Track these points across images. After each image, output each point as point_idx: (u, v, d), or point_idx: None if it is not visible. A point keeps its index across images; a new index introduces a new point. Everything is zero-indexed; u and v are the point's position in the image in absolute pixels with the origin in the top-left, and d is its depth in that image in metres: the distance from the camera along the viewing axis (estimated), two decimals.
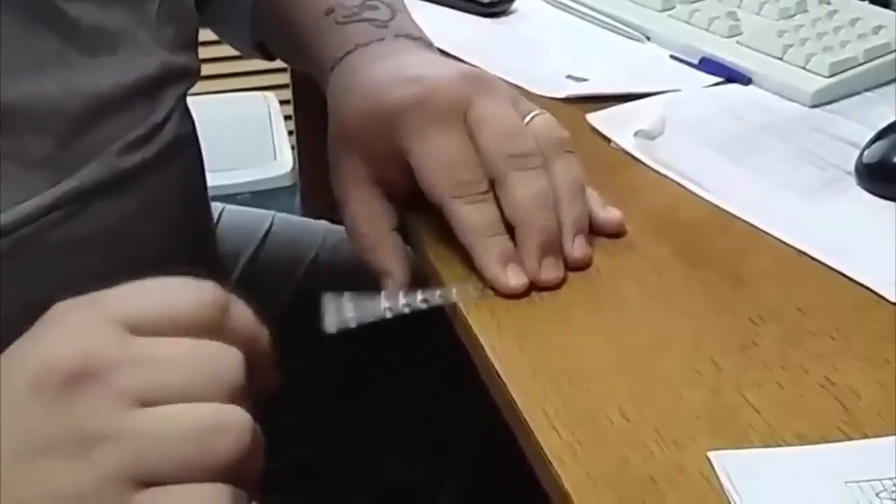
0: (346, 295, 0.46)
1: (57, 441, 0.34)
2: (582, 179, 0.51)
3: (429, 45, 0.59)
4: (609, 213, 0.52)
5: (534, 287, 0.48)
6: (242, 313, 0.39)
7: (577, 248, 0.49)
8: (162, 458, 0.34)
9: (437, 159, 0.49)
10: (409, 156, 0.50)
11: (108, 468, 0.34)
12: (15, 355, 0.36)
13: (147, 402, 0.35)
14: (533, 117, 0.51)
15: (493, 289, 0.48)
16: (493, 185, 0.49)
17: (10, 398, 0.35)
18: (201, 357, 0.36)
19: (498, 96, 0.51)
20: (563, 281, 0.49)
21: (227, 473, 0.35)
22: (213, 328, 0.37)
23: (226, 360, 0.37)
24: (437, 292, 0.48)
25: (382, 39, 0.57)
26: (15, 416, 0.34)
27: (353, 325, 0.45)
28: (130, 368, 0.35)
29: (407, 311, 0.47)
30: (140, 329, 0.36)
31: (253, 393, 0.38)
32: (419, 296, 0.48)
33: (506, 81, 0.55)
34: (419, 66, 0.53)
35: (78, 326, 0.36)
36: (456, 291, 0.48)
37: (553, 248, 0.49)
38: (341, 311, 0.45)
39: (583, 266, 0.50)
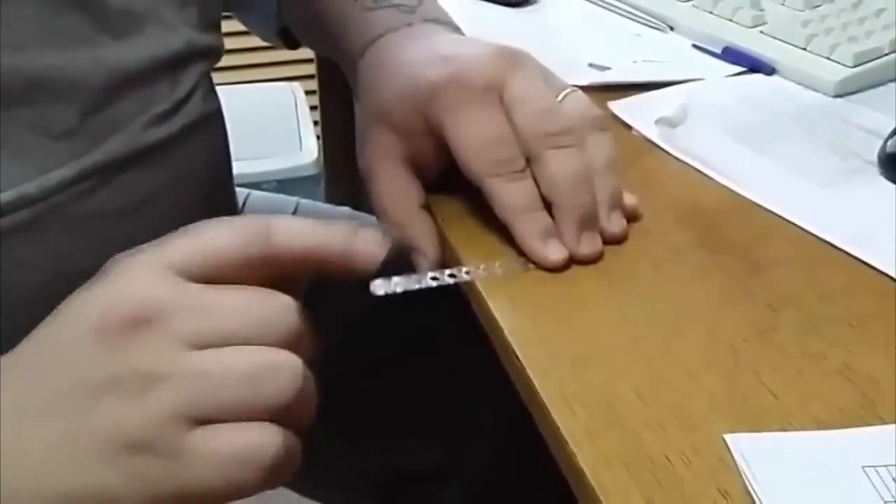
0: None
1: (116, 381, 0.36)
2: (615, 156, 0.51)
3: (456, 28, 0.59)
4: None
5: (573, 261, 0.49)
6: (289, 228, 0.41)
7: (613, 222, 0.50)
8: (216, 398, 0.36)
9: (475, 138, 0.49)
10: (445, 134, 0.50)
11: (164, 407, 0.36)
12: (78, 302, 0.38)
13: (202, 346, 0.37)
14: (566, 95, 0.51)
15: (534, 264, 0.49)
16: (528, 162, 0.49)
17: (73, 342, 0.37)
18: (255, 304, 0.38)
19: (532, 73, 0.51)
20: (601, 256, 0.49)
21: (279, 415, 0.37)
22: (263, 262, 0.39)
23: (278, 307, 0.38)
24: (482, 266, 0.48)
25: (411, 24, 0.57)
26: (77, 359, 0.36)
27: (399, 289, 0.46)
28: (187, 313, 0.37)
29: (451, 281, 0.48)
30: (197, 277, 0.38)
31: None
32: (464, 268, 0.48)
33: None
34: (452, 46, 0.54)
35: (138, 275, 0.38)
36: (499, 265, 0.48)
37: (591, 222, 0.49)
38: (389, 280, 0.46)
39: (619, 240, 0.50)
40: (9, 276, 0.46)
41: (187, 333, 0.36)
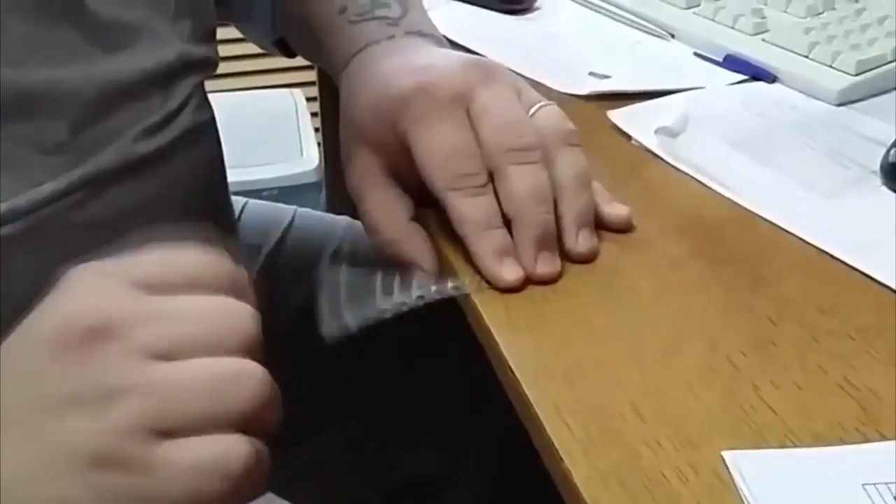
0: (343, 295, 0.46)
1: (76, 396, 0.35)
2: (587, 172, 0.50)
3: (440, 41, 0.59)
4: (614, 209, 0.52)
5: (530, 281, 0.48)
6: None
7: (581, 242, 0.49)
8: (179, 410, 0.35)
9: (438, 150, 0.49)
10: (410, 145, 0.49)
11: (127, 421, 0.35)
12: (34, 317, 0.37)
13: (163, 357, 0.36)
14: (538, 108, 0.51)
15: (489, 282, 0.48)
16: (492, 176, 0.48)
17: (29, 358, 0.36)
18: (215, 312, 0.38)
19: (502, 86, 0.51)
20: (561, 275, 0.48)
21: (244, 424, 0.36)
22: (225, 288, 0.38)
23: (239, 315, 0.38)
24: (433, 287, 0.48)
25: (393, 37, 0.57)
26: (35, 375, 0.36)
27: (353, 326, 0.45)
28: (146, 324, 0.36)
29: (405, 308, 0.47)
30: (155, 289, 0.37)
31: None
32: (415, 292, 0.47)
33: (525, 76, 0.55)
34: (427, 58, 0.53)
35: (94, 287, 0.37)
36: (452, 285, 0.48)
37: (549, 242, 0.48)
38: (340, 317, 0.45)
39: (588, 259, 0.50)
40: (3, 286, 0.45)
41: (147, 344, 0.36)
